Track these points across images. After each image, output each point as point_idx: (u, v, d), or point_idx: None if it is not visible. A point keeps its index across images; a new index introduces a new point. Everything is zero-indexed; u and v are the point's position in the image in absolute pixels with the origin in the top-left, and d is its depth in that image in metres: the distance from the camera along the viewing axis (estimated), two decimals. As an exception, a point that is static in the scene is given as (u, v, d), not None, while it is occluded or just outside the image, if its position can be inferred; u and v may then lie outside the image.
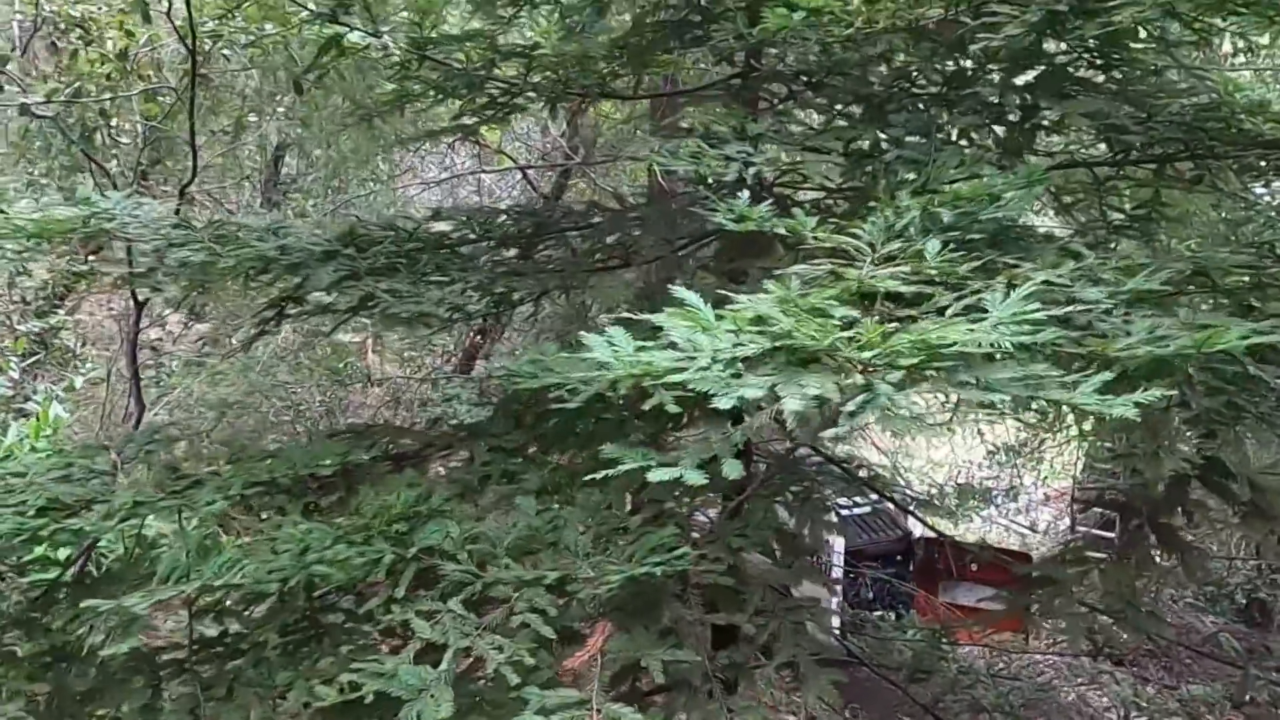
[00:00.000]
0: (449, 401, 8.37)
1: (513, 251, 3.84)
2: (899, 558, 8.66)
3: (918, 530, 8.48)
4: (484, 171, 10.14)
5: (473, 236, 3.70)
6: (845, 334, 1.66)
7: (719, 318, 1.83)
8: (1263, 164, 3.50)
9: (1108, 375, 1.51)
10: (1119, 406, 1.43)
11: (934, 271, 1.92)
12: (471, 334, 8.91)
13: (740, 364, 1.65)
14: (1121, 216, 3.70)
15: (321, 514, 2.98)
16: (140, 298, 4.09)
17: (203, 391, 7.52)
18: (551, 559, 2.55)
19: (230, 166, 7.02)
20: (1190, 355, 1.60)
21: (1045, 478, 10.36)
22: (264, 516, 2.99)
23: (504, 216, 3.90)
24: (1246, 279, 2.82)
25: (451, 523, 2.63)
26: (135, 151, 4.93)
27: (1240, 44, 4.12)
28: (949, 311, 1.75)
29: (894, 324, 1.71)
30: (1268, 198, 4.12)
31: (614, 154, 8.96)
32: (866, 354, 1.56)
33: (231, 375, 7.21)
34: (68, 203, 3.04)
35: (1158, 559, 3.11)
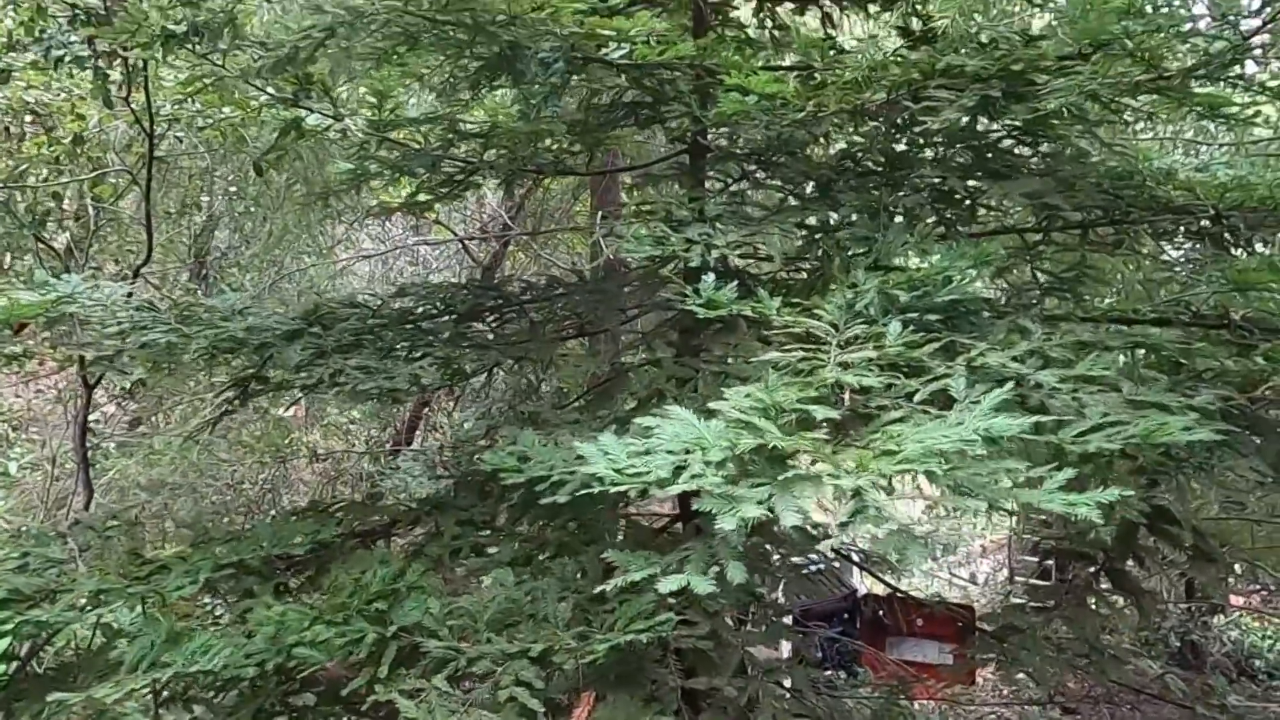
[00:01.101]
0: (390, 475, 8.27)
1: (474, 325, 3.89)
2: (846, 615, 8.75)
3: (862, 587, 8.60)
4: (424, 242, 10.18)
5: (435, 311, 3.75)
6: (827, 440, 1.76)
7: (705, 416, 1.91)
8: (1175, 228, 3.79)
9: (1070, 472, 1.63)
10: (1083, 506, 1.56)
11: (896, 353, 2.04)
12: (416, 405, 8.85)
13: (730, 465, 1.72)
14: (1050, 279, 3.94)
15: (292, 595, 2.96)
16: (90, 380, 4.01)
17: (138, 473, 7.30)
18: (532, 631, 2.57)
19: (172, 246, 6.95)
20: (1139, 444, 1.75)
21: (984, 530, 10.62)
22: (232, 600, 2.95)
23: (465, 291, 3.96)
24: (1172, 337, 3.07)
25: (430, 598, 2.64)
26: (85, 232, 4.87)
27: (1146, 120, 4.47)
28: (917, 398, 1.88)
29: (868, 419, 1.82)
30: (1181, 257, 4.42)
31: (555, 225, 9.11)
32: (850, 462, 1.66)
33: (169, 455, 7.03)
34: (27, 287, 3.01)
35: (1108, 605, 3.26)
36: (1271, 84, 2.67)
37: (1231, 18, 2.20)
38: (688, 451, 1.81)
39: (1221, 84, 2.61)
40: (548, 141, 4.07)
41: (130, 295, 3.34)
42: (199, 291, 8.00)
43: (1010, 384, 1.97)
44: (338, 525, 3.15)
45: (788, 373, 2.22)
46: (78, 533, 3.10)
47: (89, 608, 2.75)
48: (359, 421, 9.88)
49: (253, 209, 6.65)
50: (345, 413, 8.81)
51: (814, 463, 1.85)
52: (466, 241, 9.91)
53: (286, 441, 7.66)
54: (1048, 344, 2.45)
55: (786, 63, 4.52)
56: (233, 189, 6.12)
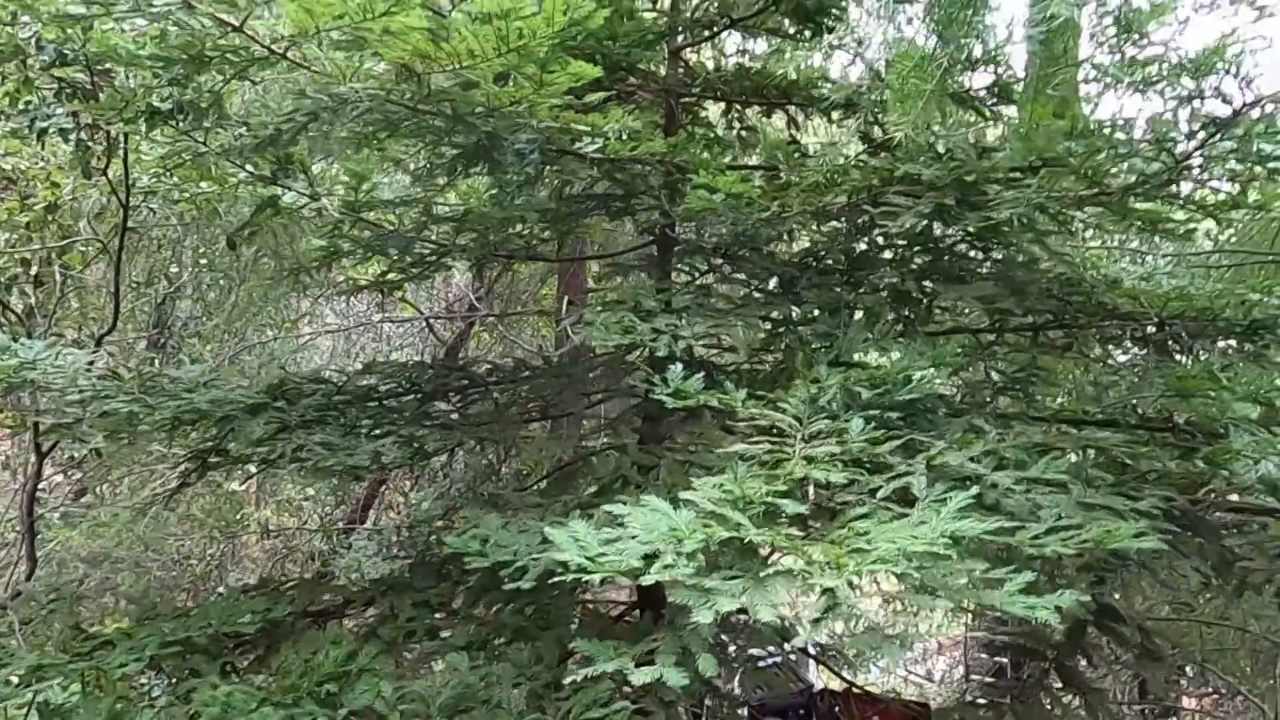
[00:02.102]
0: (343, 554, 8.10)
1: (439, 405, 3.91)
2: (802, 711, 8.60)
3: (818, 682, 8.49)
4: (388, 320, 10.19)
5: (399, 390, 3.77)
6: (796, 532, 1.81)
7: (673, 505, 1.94)
8: (1122, 333, 3.94)
9: (1030, 575, 1.69)
10: (1041, 610, 1.61)
11: (859, 449, 2.11)
12: (372, 483, 8.73)
13: (701, 556, 1.76)
14: (1003, 378, 4.07)
15: (240, 675, 2.89)
16: (44, 448, 3.94)
17: (80, 544, 7.09)
18: (486, 717, 2.53)
19: (134, 314, 6.90)
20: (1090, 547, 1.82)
21: (940, 626, 10.59)
22: (176, 679, 2.87)
23: (431, 370, 3.99)
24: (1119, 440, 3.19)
25: (383, 681, 2.59)
26: (48, 298, 4.83)
27: (1094, 229, 4.69)
28: (879, 494, 1.93)
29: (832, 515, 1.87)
30: (1127, 361, 4.59)
31: (522, 307, 9.19)
32: (824, 559, 1.71)
33: (115, 527, 6.85)
34: (-11, 352, 2.99)
35: (1059, 704, 3.28)
36: (1209, 200, 2.84)
37: (1167, 143, 2.36)
38: (661, 541, 1.83)
39: (1160, 201, 2.77)
40: (519, 228, 4.17)
41: (92, 364, 3.32)
42: (156, 360, 7.91)
43: (974, 487, 2.03)
44: (289, 604, 3.10)
45: (755, 464, 2.27)
46: (19, 605, 3.02)
47: (26, 684, 2.66)
48: (312, 497, 9.70)
49: (221, 281, 6.64)
50: (300, 489, 8.66)
51: (785, 556, 1.89)
52: (432, 320, 9.94)
53: (238, 517, 7.49)
54: (1002, 445, 2.53)
55: (753, 162, 4.71)
56: (202, 261, 6.13)
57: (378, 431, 3.26)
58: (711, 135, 4.71)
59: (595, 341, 2.94)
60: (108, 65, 3.04)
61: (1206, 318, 3.57)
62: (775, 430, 2.39)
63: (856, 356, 2.95)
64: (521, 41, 2.46)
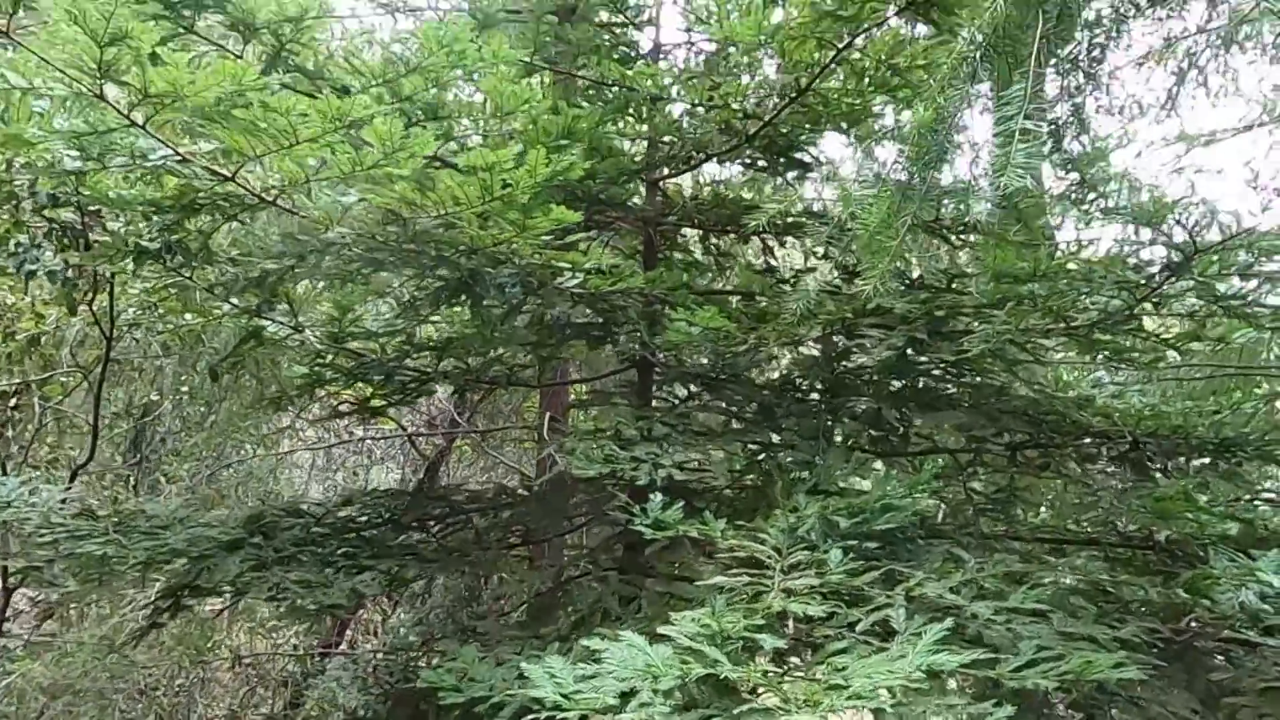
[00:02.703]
0: (318, 683, 7.83)
1: (418, 535, 3.87)
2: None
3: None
4: (369, 438, 10.14)
5: (378, 520, 3.74)
6: (774, 669, 1.81)
7: (652, 639, 1.94)
8: (1098, 452, 3.99)
9: (1009, 710, 1.68)
10: None
11: (838, 580, 2.12)
12: (348, 610, 8.52)
13: (678, 693, 1.75)
14: (982, 499, 4.09)
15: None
16: (13, 585, 3.84)
17: (42, 674, 6.83)
18: None
19: (112, 434, 6.84)
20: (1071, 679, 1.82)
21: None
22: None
23: (410, 498, 3.97)
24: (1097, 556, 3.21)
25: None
26: (29, 430, 4.81)
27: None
28: (859, 627, 1.93)
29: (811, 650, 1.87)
30: (1105, 480, 4.62)
31: (505, 422, 9.18)
32: (801, 696, 1.70)
33: (80, 656, 6.61)
34: (-38, 491, 2.96)
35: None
36: (1171, 333, 2.93)
37: (1126, 283, 2.45)
38: (637, 678, 1.82)
39: (1124, 334, 2.86)
40: (500, 352, 4.22)
41: (65, 501, 3.29)
42: (133, 477, 7.80)
43: (949, 620, 2.03)
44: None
45: (734, 596, 2.26)
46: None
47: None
48: (286, 620, 9.44)
49: (201, 408, 6.62)
50: (275, 611, 8.42)
51: (763, 694, 1.87)
52: (413, 437, 9.90)
53: (209, 644, 7.27)
54: (981, 574, 2.54)
55: (731, 286, 4.82)
56: (183, 389, 6.13)
57: (355, 566, 3.22)
58: (690, 259, 4.84)
59: (576, 470, 2.96)
60: (99, 207, 3.12)
61: (1180, 435, 3.63)
62: (755, 561, 2.39)
63: (838, 480, 2.98)
64: (505, 191, 2.55)
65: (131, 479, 7.84)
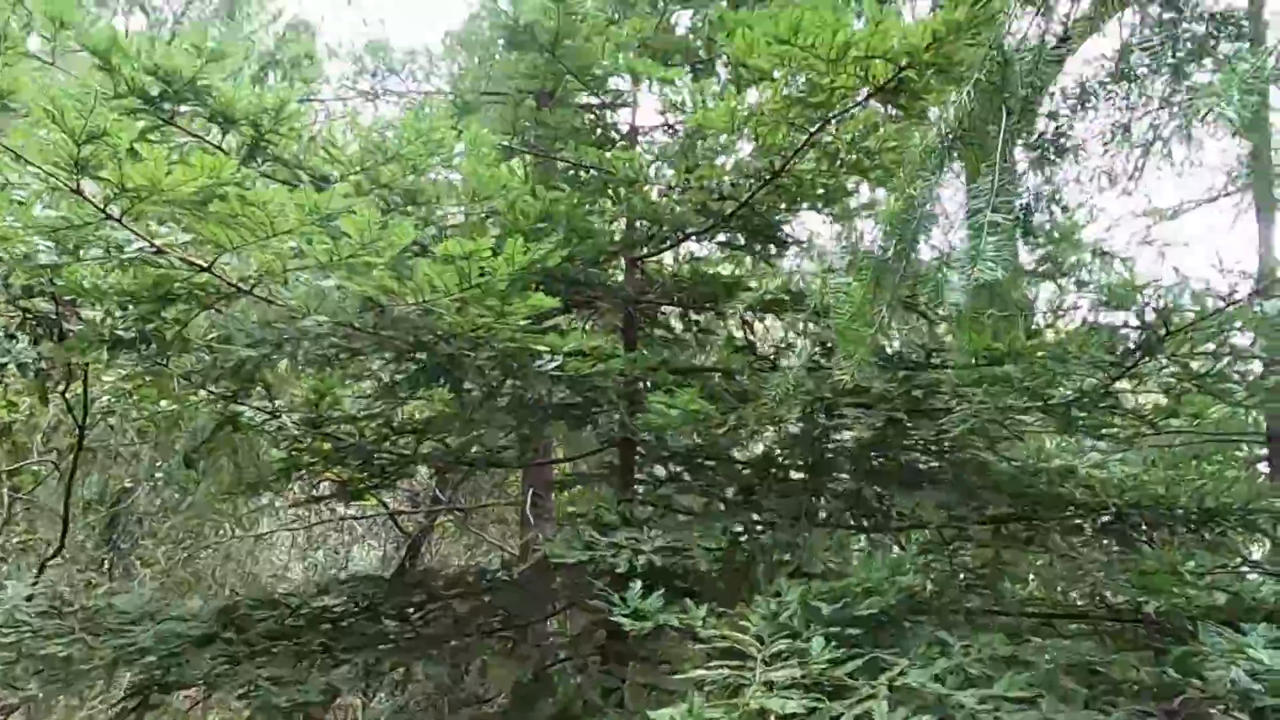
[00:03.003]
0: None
1: (397, 622, 3.78)
2: None
3: None
4: (351, 517, 10.00)
5: (355, 609, 3.65)
6: None
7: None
8: (1082, 525, 3.97)
9: None
10: None
11: (820, 671, 2.07)
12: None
13: None
14: (968, 575, 4.04)
15: None
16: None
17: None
18: None
19: (84, 519, 6.70)
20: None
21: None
22: None
23: (389, 584, 3.89)
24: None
25: None
26: (-1, 517, 4.71)
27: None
28: (842, 722, 1.89)
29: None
30: (1088, 551, 4.59)
31: (488, 498, 9.09)
32: None
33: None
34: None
35: None
36: (1147, 409, 2.94)
37: (1100, 363, 2.47)
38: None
39: (1101, 411, 2.87)
40: (480, 433, 4.18)
41: (31, 598, 3.20)
42: (106, 564, 7.62)
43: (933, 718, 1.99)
44: None
45: (715, 689, 2.21)
46: None
47: None
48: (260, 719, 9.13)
49: (176, 495, 6.52)
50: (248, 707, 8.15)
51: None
52: (395, 515, 9.76)
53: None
54: (968, 658, 2.49)
55: (711, 361, 4.83)
56: (158, 475, 6.04)
57: (331, 661, 3.13)
58: (670, 335, 4.85)
59: (556, 559, 2.91)
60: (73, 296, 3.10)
61: (1164, 506, 3.62)
62: (736, 651, 2.35)
63: (820, 562, 2.95)
64: (483, 279, 2.56)
65: (106, 563, 7.66)
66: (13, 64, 2.52)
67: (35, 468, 4.84)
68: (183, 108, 2.93)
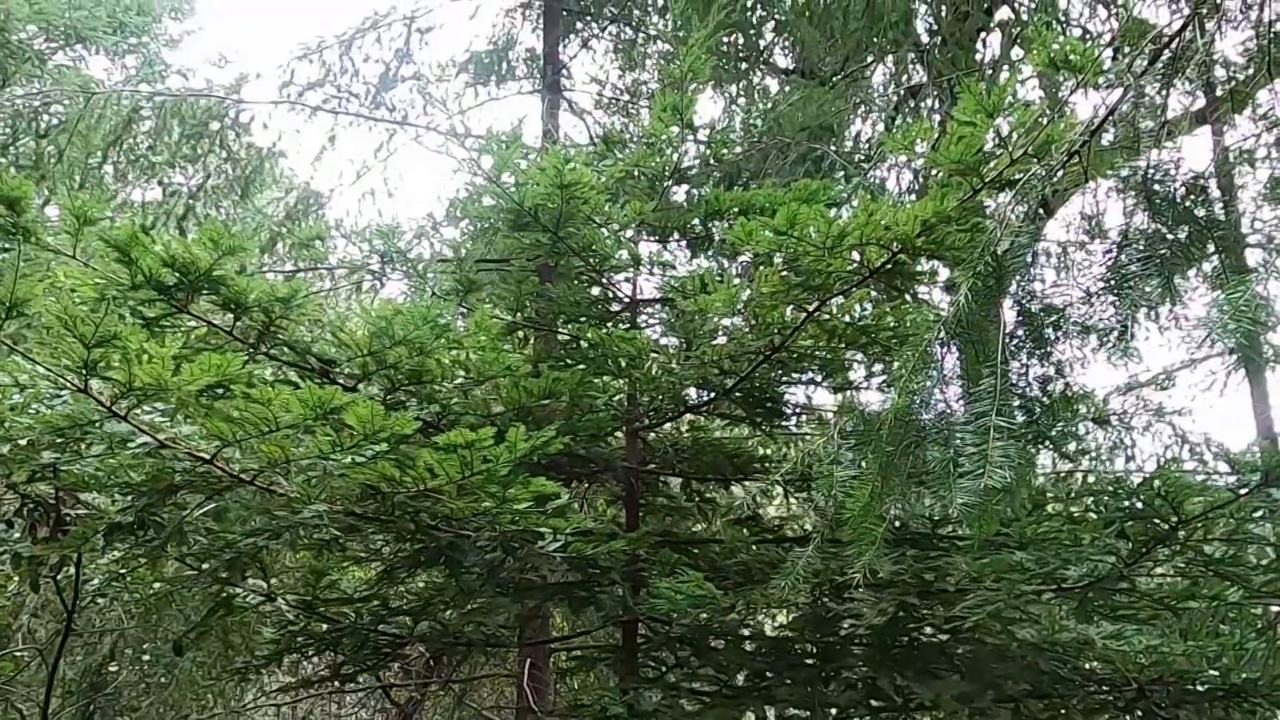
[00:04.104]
0: None
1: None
2: None
3: None
4: (341, 691, 9.60)
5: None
6: None
7: None
8: (1102, 703, 3.80)
9: None
10: None
11: None
12: None
13: None
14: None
15: None
16: None
17: None
18: None
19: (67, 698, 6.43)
20: None
21: None
22: None
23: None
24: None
25: None
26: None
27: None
28: None
29: None
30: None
31: (482, 669, 8.76)
32: None
33: None
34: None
35: None
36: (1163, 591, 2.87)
37: (1112, 549, 2.44)
38: None
39: (1116, 594, 2.81)
40: (477, 605, 4.07)
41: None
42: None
43: None
44: None
45: None
46: None
47: None
48: None
49: (163, 678, 6.29)
50: None
51: None
52: (388, 688, 9.39)
53: None
54: None
55: (714, 530, 4.75)
56: (145, 657, 5.84)
57: None
58: (673, 504, 4.79)
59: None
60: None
61: (1187, 681, 3.49)
62: None
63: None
64: (485, 466, 2.55)
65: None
66: (31, 263, 2.59)
67: (18, 653, 4.67)
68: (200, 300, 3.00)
